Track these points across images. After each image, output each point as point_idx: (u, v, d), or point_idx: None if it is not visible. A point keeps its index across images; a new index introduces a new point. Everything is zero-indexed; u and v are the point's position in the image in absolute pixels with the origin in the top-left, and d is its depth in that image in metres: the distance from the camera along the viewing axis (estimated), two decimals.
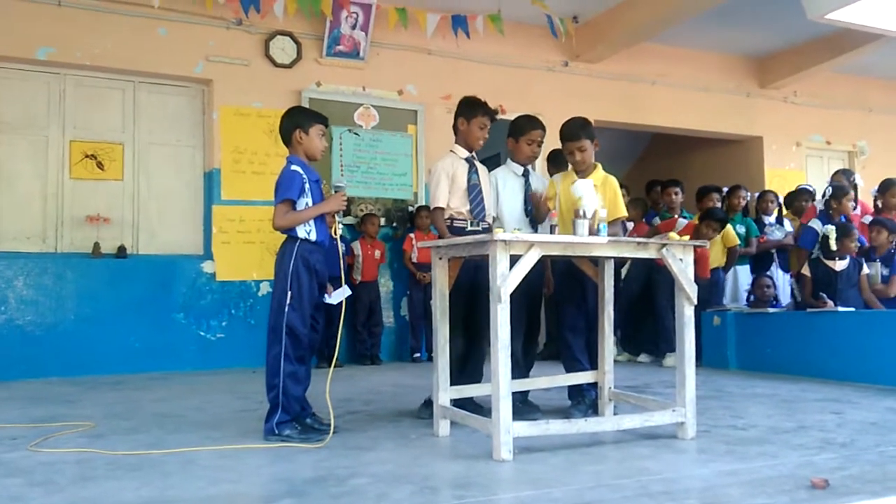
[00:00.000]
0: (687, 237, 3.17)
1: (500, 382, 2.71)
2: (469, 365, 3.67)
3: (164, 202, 6.55)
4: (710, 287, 6.19)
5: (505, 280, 2.71)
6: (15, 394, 4.79)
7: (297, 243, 3.18)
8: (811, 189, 7.32)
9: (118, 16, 6.21)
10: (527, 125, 3.85)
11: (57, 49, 6.06)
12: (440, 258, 3.21)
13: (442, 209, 3.67)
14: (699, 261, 5.92)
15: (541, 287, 3.93)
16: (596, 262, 3.56)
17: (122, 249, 6.22)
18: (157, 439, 3.19)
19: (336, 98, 6.92)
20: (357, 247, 6.65)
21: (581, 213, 3.07)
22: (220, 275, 6.44)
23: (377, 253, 6.75)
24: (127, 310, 6.08)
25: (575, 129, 3.75)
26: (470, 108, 3.74)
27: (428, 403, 3.55)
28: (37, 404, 4.32)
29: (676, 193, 6.40)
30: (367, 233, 6.70)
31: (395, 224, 7.08)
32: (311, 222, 3.20)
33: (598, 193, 3.70)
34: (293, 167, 3.21)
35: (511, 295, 2.74)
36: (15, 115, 6.10)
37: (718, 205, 6.53)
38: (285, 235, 3.23)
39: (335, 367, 6.05)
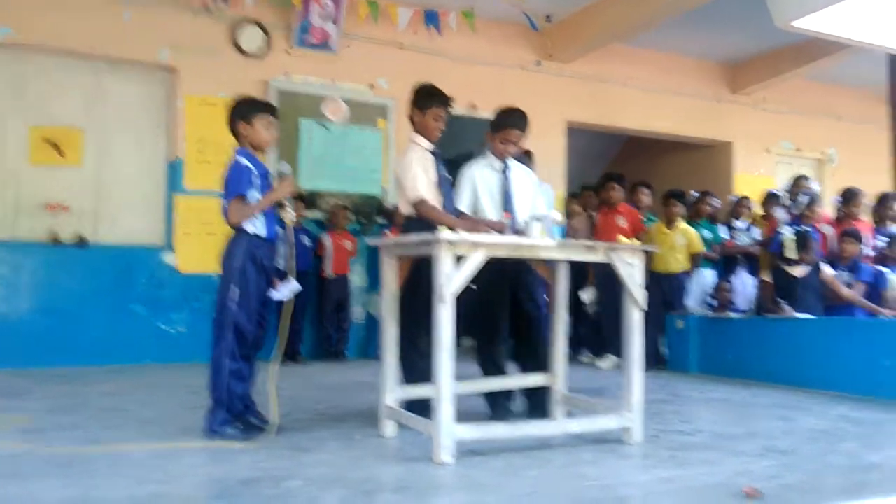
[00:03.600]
0: (637, 242, 3.15)
1: (442, 384, 2.67)
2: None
3: (125, 191, 6.41)
4: (674, 290, 6.20)
5: (449, 281, 2.67)
6: None
7: (245, 238, 3.12)
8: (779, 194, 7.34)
9: None
10: (503, 122, 3.64)
11: (16, 31, 5.91)
12: (389, 257, 3.16)
13: (426, 200, 3.42)
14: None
15: (502, 286, 3.86)
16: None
17: (81, 238, 6.10)
18: (95, 435, 3.12)
19: (305, 90, 6.83)
20: (326, 239, 6.57)
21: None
22: (181, 267, 6.34)
23: (348, 244, 6.62)
24: (85, 300, 5.96)
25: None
26: (424, 98, 3.54)
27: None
28: None
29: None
30: (337, 225, 6.61)
31: (362, 219, 7.00)
32: (260, 217, 3.13)
33: None
34: (241, 160, 3.14)
35: (466, 294, 2.71)
36: None
37: (681, 209, 6.50)
38: (233, 230, 3.16)
39: (297, 363, 6.11)
